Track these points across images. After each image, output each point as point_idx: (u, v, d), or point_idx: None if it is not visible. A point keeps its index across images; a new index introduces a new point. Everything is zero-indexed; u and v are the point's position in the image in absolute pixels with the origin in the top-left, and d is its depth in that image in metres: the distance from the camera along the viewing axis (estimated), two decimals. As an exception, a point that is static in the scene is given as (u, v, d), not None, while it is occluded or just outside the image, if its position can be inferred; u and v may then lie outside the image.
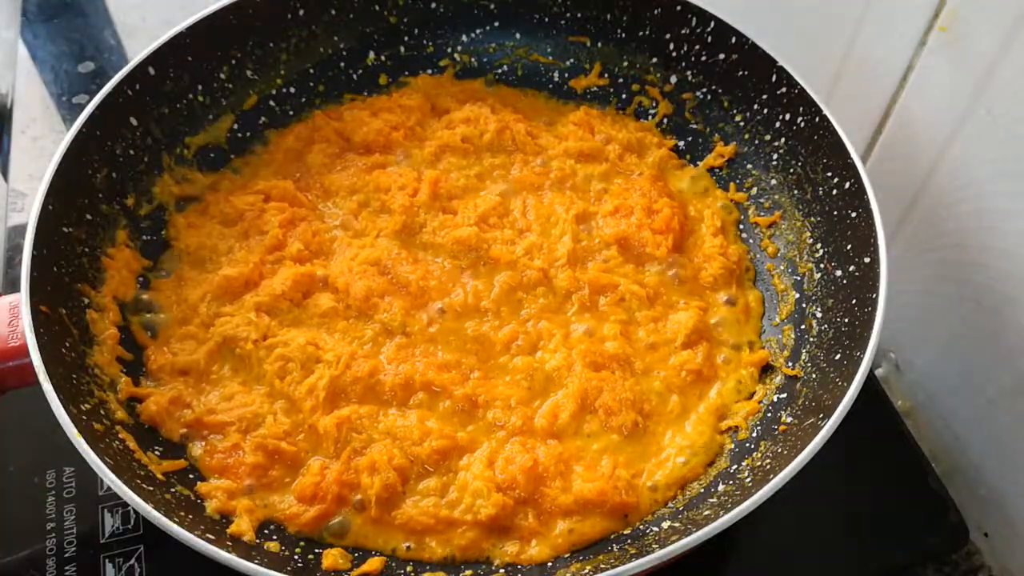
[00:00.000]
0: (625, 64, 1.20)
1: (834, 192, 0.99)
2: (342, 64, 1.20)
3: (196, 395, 0.94)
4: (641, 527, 0.87)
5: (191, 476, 0.89)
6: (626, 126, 1.17)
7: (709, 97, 1.14)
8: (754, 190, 1.10)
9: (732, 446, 0.92)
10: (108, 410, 0.87)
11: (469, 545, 0.86)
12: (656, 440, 0.93)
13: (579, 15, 1.20)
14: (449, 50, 1.23)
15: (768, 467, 0.83)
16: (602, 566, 0.77)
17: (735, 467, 0.89)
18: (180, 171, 1.08)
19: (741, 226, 1.10)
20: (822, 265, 0.99)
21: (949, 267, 1.02)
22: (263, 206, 1.07)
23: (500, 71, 1.23)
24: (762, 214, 1.09)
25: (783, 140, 1.07)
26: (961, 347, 1.04)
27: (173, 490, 0.85)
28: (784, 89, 1.04)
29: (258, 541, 0.84)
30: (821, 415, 0.83)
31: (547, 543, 0.86)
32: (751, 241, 1.08)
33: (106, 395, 0.89)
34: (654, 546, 0.79)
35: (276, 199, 1.08)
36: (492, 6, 1.21)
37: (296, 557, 0.83)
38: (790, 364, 0.96)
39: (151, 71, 1.04)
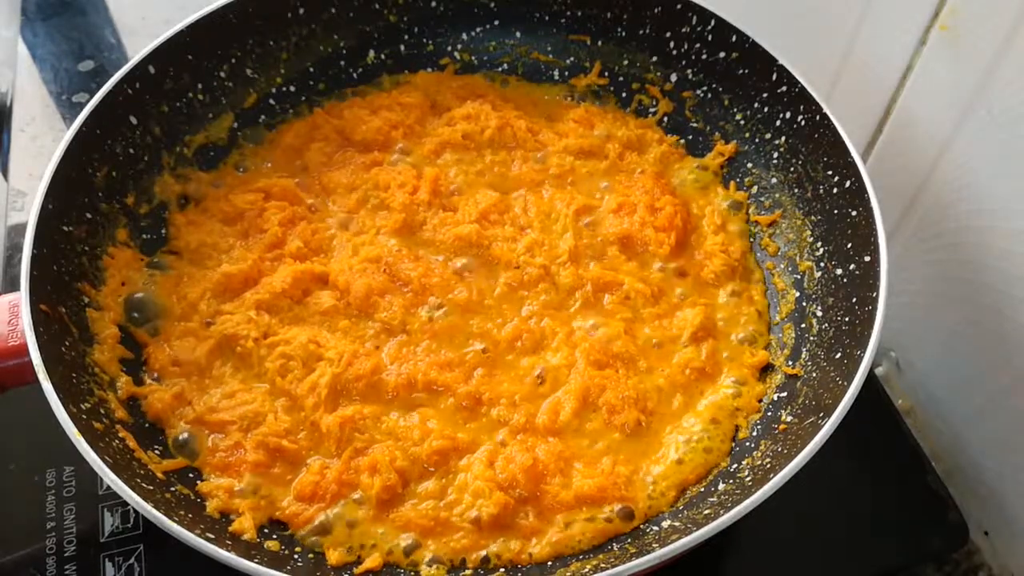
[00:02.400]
0: (625, 63, 1.20)
1: (834, 191, 0.99)
2: (342, 63, 1.20)
3: (198, 393, 0.94)
4: (641, 526, 0.87)
5: (191, 475, 0.89)
6: (626, 124, 1.17)
7: (709, 95, 1.14)
8: (754, 188, 1.10)
9: (732, 445, 0.92)
10: (108, 409, 0.87)
11: (468, 546, 0.86)
12: (658, 438, 0.93)
13: (579, 13, 1.20)
14: (449, 48, 1.23)
15: (768, 466, 0.83)
16: (602, 566, 0.77)
17: (735, 466, 0.89)
18: (180, 170, 1.08)
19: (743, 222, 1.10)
20: (822, 264, 0.99)
21: (949, 266, 1.02)
22: (263, 204, 1.07)
23: (500, 69, 1.23)
24: (762, 212, 1.09)
25: (783, 138, 1.07)
26: (961, 346, 1.04)
27: (173, 489, 0.85)
28: (784, 87, 1.04)
29: (259, 540, 0.84)
30: (821, 414, 0.83)
31: (547, 541, 0.86)
32: (751, 240, 1.08)
33: (106, 394, 0.89)
34: (654, 545, 0.78)
35: (276, 197, 1.08)
36: (492, 4, 1.21)
37: (296, 556, 0.84)
38: (790, 363, 0.96)
39: (151, 70, 1.04)
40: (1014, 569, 1.03)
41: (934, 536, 0.98)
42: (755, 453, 0.89)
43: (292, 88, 1.18)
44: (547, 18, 1.21)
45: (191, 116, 1.10)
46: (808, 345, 0.96)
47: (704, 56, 1.13)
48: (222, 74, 1.12)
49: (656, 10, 1.14)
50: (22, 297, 0.84)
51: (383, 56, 1.22)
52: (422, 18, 1.21)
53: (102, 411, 0.86)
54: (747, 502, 0.75)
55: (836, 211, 0.98)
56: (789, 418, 0.90)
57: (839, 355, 0.89)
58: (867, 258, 0.91)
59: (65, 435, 0.77)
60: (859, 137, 1.08)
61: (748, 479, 0.85)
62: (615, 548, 0.84)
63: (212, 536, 0.76)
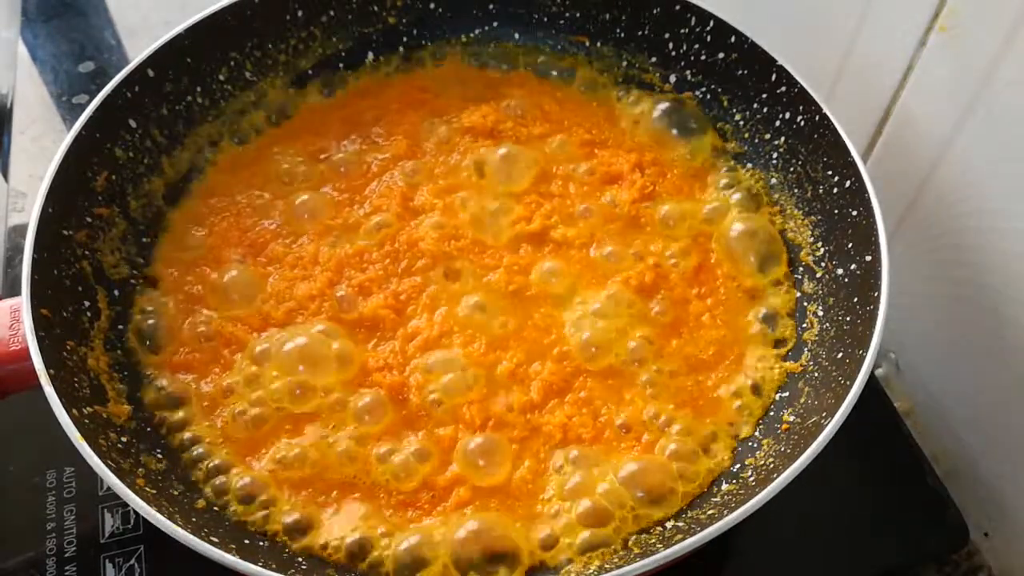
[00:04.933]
0: (624, 63, 1.19)
1: (835, 191, 0.99)
2: (340, 65, 1.20)
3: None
4: (645, 526, 0.87)
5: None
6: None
7: (708, 96, 1.14)
8: (753, 190, 1.10)
9: (735, 445, 0.92)
10: (110, 412, 0.87)
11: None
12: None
13: (578, 15, 1.19)
14: (448, 50, 1.23)
15: (772, 466, 0.83)
16: (606, 566, 0.77)
17: (738, 466, 0.89)
18: (179, 173, 1.08)
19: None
20: (823, 263, 0.99)
21: (949, 267, 1.02)
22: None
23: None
24: (762, 214, 1.09)
25: (783, 139, 1.07)
26: (962, 347, 1.04)
27: (175, 491, 0.85)
28: (784, 88, 1.04)
29: (262, 543, 0.84)
30: (824, 413, 0.83)
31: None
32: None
33: (108, 396, 0.89)
34: (658, 546, 0.79)
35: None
36: (491, 6, 1.21)
37: (300, 560, 0.83)
38: (791, 362, 0.96)
39: (150, 73, 1.04)
40: (1014, 570, 1.03)
41: (934, 536, 0.98)
42: (758, 453, 0.89)
43: (291, 91, 1.17)
44: (546, 19, 1.21)
45: (190, 119, 1.10)
46: (809, 344, 0.96)
47: (703, 57, 1.13)
48: (221, 77, 1.12)
49: (655, 11, 1.14)
50: (23, 302, 0.84)
51: (381, 59, 1.21)
52: (421, 20, 1.21)
53: (104, 414, 0.86)
54: (752, 502, 0.75)
55: (836, 211, 0.98)
56: (792, 418, 0.90)
57: (841, 355, 0.90)
58: (868, 258, 0.91)
59: (65, 436, 0.77)
60: (859, 137, 1.08)
61: (751, 479, 0.85)
62: (618, 548, 0.84)
63: (216, 540, 0.76)
